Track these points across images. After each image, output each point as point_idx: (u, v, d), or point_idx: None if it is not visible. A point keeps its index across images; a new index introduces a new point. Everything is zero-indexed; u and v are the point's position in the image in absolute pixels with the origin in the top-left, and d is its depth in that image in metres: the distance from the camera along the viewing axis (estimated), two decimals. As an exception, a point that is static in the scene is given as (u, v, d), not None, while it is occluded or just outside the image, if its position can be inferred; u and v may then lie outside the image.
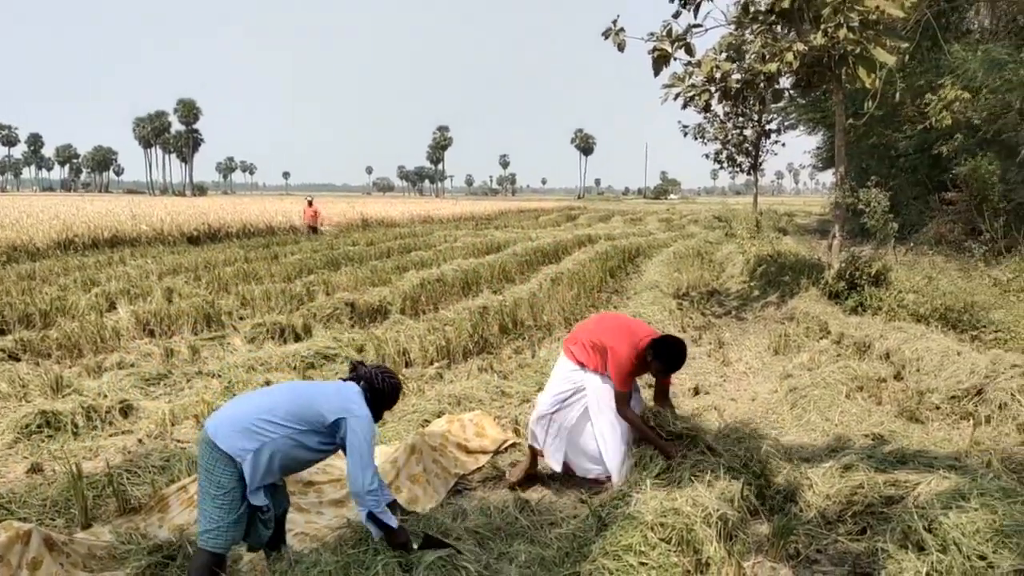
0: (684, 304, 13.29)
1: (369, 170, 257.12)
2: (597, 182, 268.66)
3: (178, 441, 6.09)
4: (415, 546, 3.74)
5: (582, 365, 5.22)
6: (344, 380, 3.91)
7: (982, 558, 3.50)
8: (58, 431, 6.24)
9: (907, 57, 15.54)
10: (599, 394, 5.17)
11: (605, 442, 5.15)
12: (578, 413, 5.22)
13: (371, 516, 3.61)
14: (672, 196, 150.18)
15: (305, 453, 3.62)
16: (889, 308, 10.81)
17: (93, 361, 8.59)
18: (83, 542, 4.13)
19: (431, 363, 8.77)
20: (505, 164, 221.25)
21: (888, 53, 10.99)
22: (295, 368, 8.27)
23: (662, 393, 5.43)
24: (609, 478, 5.17)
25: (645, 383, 6.69)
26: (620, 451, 5.11)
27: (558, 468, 5.26)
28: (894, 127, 20.84)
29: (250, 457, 3.43)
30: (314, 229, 27.08)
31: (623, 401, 5.05)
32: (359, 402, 3.71)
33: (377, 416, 3.88)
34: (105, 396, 7.03)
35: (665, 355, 4.92)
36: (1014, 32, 17.96)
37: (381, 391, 3.85)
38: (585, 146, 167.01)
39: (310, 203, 28.27)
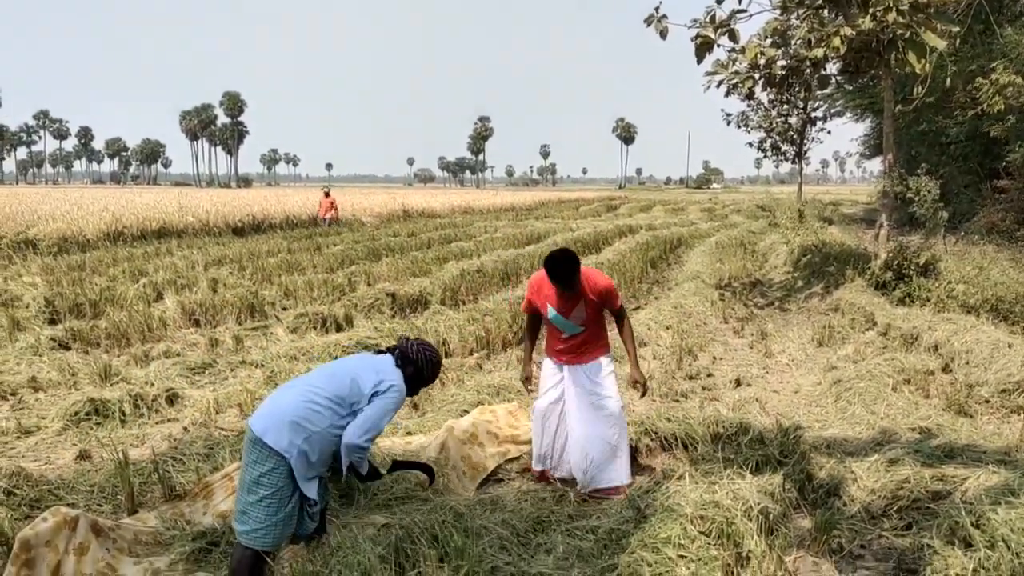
0: (726, 295, 13.15)
1: (411, 161, 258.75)
2: (638, 172, 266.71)
3: (222, 429, 6.18)
4: (383, 472, 3.93)
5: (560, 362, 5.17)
6: (379, 352, 3.94)
7: (1032, 556, 3.41)
8: (106, 418, 6.38)
9: (958, 41, 15.12)
10: (575, 391, 5.09)
11: (580, 444, 5.00)
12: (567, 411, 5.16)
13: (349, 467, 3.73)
14: (714, 185, 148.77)
15: None
16: (938, 299, 10.57)
17: (140, 350, 8.77)
18: (129, 528, 4.22)
19: (470, 353, 8.80)
20: (546, 154, 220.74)
21: (939, 37, 10.69)
22: (336, 358, 8.34)
23: (617, 323, 5.25)
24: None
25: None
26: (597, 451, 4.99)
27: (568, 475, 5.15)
28: (945, 113, 20.33)
29: (296, 451, 3.44)
30: (331, 221, 26.28)
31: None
32: (392, 373, 3.74)
33: (413, 390, 3.89)
34: (152, 384, 7.17)
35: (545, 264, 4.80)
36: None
37: (414, 361, 3.85)
38: (626, 135, 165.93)
39: (327, 194, 27.23)
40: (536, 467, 5.26)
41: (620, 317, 5.16)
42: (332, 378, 3.66)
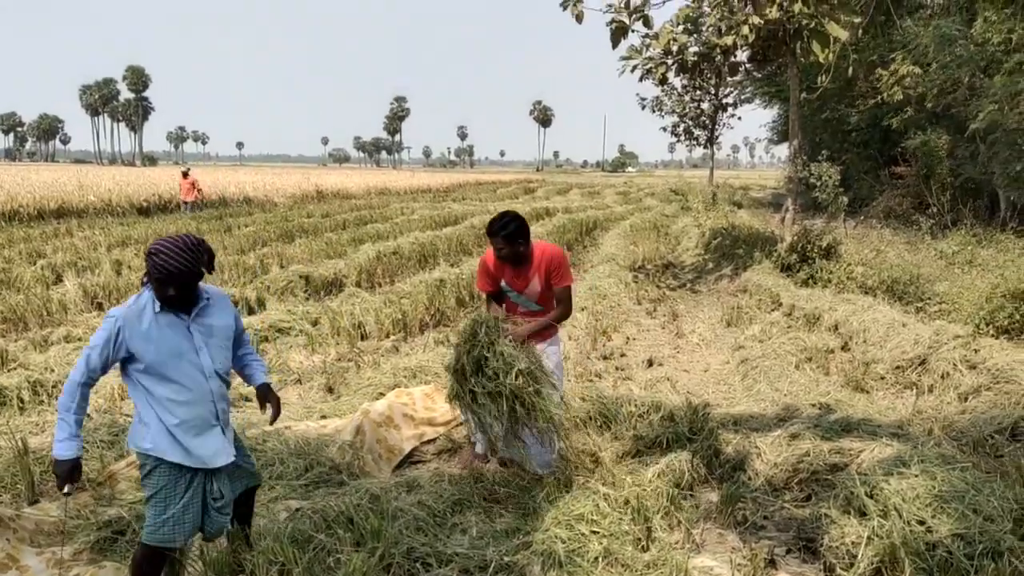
0: (640, 277, 13.41)
1: (325, 141, 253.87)
2: (556, 155, 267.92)
3: (127, 416, 5.99)
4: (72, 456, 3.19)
5: None
6: None
7: (921, 523, 3.61)
8: (3, 406, 6.11)
9: (860, 32, 15.69)
10: None
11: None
12: None
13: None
14: (630, 169, 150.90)
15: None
16: (839, 280, 11.03)
17: (39, 335, 8.39)
18: (30, 517, 4.07)
19: (387, 336, 8.74)
20: (463, 136, 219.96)
21: (842, 27, 11.07)
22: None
23: (556, 299, 4.86)
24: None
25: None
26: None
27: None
28: (847, 102, 21.12)
29: (149, 437, 3.23)
30: (194, 204, 23.36)
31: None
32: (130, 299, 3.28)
33: (162, 295, 3.14)
34: (52, 370, 6.88)
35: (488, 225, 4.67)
36: (965, 7, 18.24)
37: (148, 269, 3.17)
38: (544, 118, 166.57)
39: (185, 174, 23.63)
40: (480, 450, 4.95)
41: (561, 298, 4.83)
42: None
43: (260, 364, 3.77)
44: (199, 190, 23.73)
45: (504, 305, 5.00)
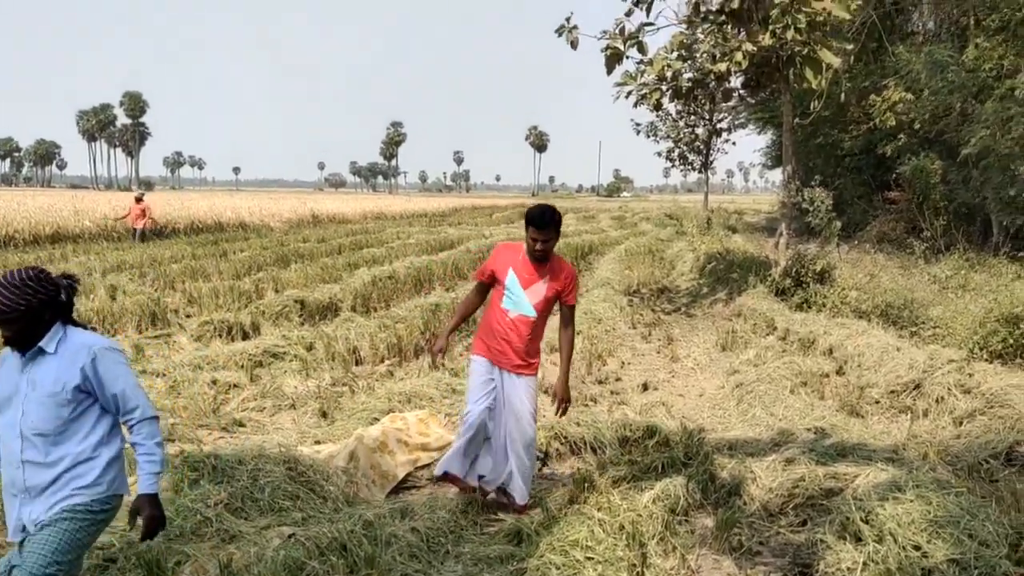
0: (635, 301, 13.43)
1: (321, 165, 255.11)
2: (551, 179, 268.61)
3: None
4: None
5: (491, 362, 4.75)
6: None
7: (917, 548, 3.60)
8: (-6, 432, 6.06)
9: (852, 58, 15.89)
10: (507, 401, 4.73)
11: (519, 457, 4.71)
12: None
13: None
14: (625, 194, 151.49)
15: None
16: (833, 305, 11.05)
17: (32, 360, 8.35)
18: (19, 546, 4.03)
19: (382, 361, 8.72)
20: (459, 161, 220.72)
21: (834, 54, 11.22)
22: (242, 367, 8.15)
23: (563, 323, 4.84)
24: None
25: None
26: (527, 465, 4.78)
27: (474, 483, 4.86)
28: (840, 127, 21.27)
29: None
30: (143, 233, 22.22)
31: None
32: None
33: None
34: (44, 396, 6.84)
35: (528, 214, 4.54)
36: (956, 34, 18.47)
37: None
38: (539, 143, 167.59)
39: (138, 200, 22.81)
40: (446, 471, 4.79)
41: (570, 318, 4.79)
42: None
43: (149, 463, 2.91)
44: (151, 217, 22.96)
45: (488, 311, 4.84)
